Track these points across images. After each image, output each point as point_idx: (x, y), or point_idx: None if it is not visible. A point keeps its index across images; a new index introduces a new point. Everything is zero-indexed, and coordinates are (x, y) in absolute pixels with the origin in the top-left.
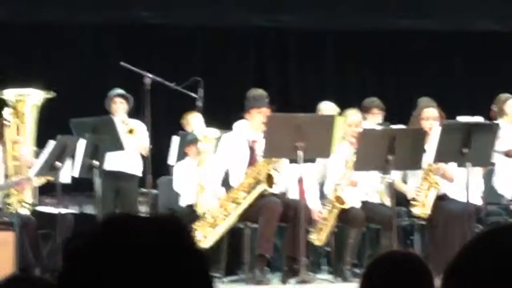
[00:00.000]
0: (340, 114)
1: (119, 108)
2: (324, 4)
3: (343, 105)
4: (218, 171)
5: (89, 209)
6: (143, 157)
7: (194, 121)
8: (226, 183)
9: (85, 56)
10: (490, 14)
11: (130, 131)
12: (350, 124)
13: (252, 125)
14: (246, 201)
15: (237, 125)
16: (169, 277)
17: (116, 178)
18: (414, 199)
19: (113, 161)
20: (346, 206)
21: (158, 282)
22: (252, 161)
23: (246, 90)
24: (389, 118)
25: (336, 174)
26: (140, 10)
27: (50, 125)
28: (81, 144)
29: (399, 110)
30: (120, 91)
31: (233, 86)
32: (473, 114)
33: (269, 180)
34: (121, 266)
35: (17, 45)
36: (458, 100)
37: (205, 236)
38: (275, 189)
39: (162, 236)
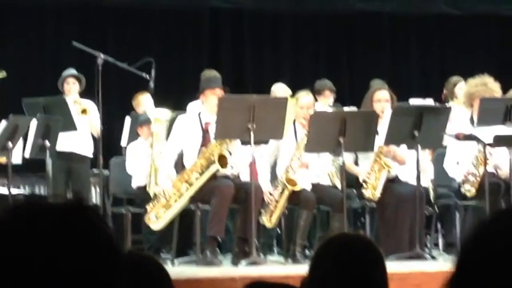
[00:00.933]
0: (292, 95)
1: (72, 88)
2: None
3: (297, 87)
4: (171, 152)
5: (41, 190)
6: (94, 138)
7: (144, 102)
8: (179, 165)
9: (39, 36)
10: None
11: (83, 111)
12: (302, 106)
13: (206, 107)
14: (199, 182)
15: (191, 106)
16: (77, 260)
17: (68, 159)
18: (365, 181)
19: (64, 142)
20: (297, 188)
21: (65, 264)
22: (205, 142)
23: (200, 71)
24: (342, 100)
25: (288, 156)
26: None
27: (2, 104)
28: (33, 124)
29: (352, 92)
30: (72, 71)
31: (186, 67)
32: (425, 96)
33: (222, 160)
34: (28, 250)
35: None
36: (411, 82)
37: (158, 217)
38: (228, 171)
39: (67, 220)
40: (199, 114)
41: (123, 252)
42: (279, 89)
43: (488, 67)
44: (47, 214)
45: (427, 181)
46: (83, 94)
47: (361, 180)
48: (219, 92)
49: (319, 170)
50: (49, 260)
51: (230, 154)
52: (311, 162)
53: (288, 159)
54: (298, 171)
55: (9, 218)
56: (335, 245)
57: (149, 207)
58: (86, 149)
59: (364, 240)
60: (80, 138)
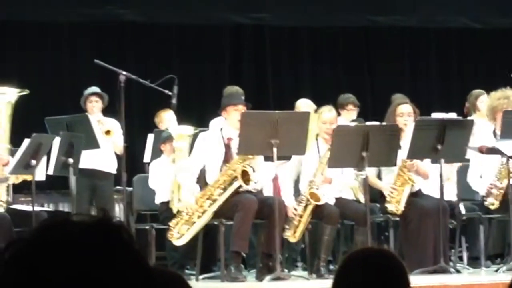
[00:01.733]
0: (316, 111)
1: (95, 106)
2: (300, 2)
3: (319, 102)
4: (193, 168)
5: (64, 207)
6: (117, 154)
7: (167, 119)
8: (202, 181)
9: (60, 54)
10: (465, 11)
11: (107, 132)
12: (325, 121)
13: (229, 123)
14: (222, 198)
15: (214, 122)
16: (107, 276)
17: (91, 176)
18: (388, 195)
19: (88, 159)
20: (321, 203)
21: (96, 281)
22: (227, 158)
23: (221, 87)
24: (364, 114)
25: (311, 171)
26: (116, 7)
27: (25, 123)
28: (56, 142)
29: (374, 106)
30: (95, 89)
31: (208, 83)
32: (447, 110)
33: (245, 176)
34: (56, 268)
35: None
36: (432, 96)
37: (181, 233)
38: (251, 186)
39: (96, 239)
40: (221, 130)
41: (153, 270)
42: (304, 105)
43: (509, 80)
44: (78, 232)
45: (451, 195)
46: (106, 111)
47: (385, 195)
48: (241, 108)
49: (342, 185)
50: (82, 278)
51: (254, 170)
52: (334, 177)
53: (311, 174)
54: (321, 186)
55: (39, 236)
56: (359, 259)
57: (172, 223)
58: (110, 166)
59: (388, 254)
60: (103, 155)
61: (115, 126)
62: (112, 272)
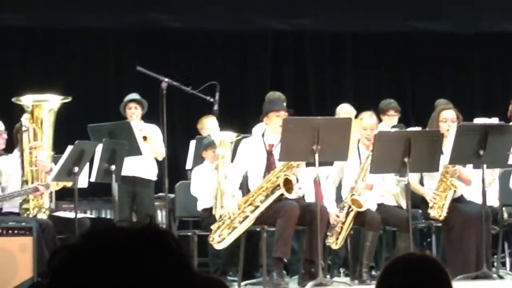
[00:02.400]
0: (356, 116)
1: (134, 113)
2: (340, 7)
3: (361, 108)
4: (236, 174)
5: (107, 214)
6: (158, 161)
7: (209, 125)
8: (244, 187)
9: (103, 61)
10: (506, 15)
11: (144, 139)
12: (366, 127)
13: (271, 129)
14: (264, 204)
15: (257, 128)
16: (155, 283)
17: (132, 183)
18: (431, 201)
19: (128, 166)
20: (362, 209)
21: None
22: (270, 164)
23: (263, 93)
24: (405, 120)
25: (353, 177)
26: (157, 14)
27: (69, 130)
28: (99, 149)
29: (415, 112)
30: (134, 96)
31: (250, 89)
32: (490, 115)
33: (287, 185)
34: (105, 275)
35: (36, 50)
36: (474, 102)
37: (222, 237)
38: (293, 195)
39: (144, 245)
40: (262, 136)
41: (198, 276)
42: (344, 110)
43: None
44: (125, 238)
45: (493, 200)
46: (148, 118)
47: (428, 200)
48: (283, 114)
49: (383, 191)
50: (129, 285)
51: (297, 180)
52: (376, 183)
53: (353, 180)
54: (362, 192)
55: (86, 243)
56: (402, 265)
57: (213, 227)
58: (150, 173)
59: (431, 260)
60: (144, 162)
61: (155, 132)
62: (160, 278)
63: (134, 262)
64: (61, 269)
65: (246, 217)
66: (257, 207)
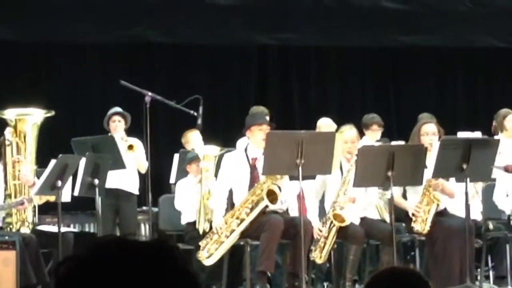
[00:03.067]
0: (337, 130)
1: (117, 126)
2: (325, 22)
3: (345, 121)
4: (221, 190)
5: (90, 228)
6: (142, 175)
7: (193, 139)
8: (229, 201)
9: (86, 74)
10: (490, 30)
11: (130, 147)
12: (346, 141)
13: (253, 142)
14: (249, 217)
15: (240, 142)
16: None
17: (115, 196)
18: (414, 215)
19: (111, 179)
20: (345, 224)
21: None
22: (253, 178)
23: (247, 108)
24: (389, 134)
25: (335, 190)
26: (143, 28)
27: (52, 144)
28: (82, 163)
29: (399, 126)
30: (117, 109)
31: (234, 104)
32: (473, 130)
33: (271, 196)
34: (111, 286)
35: (20, 64)
36: (458, 116)
37: (210, 253)
38: (277, 206)
39: (151, 259)
40: (245, 150)
41: None
42: (324, 124)
43: None
44: (132, 251)
45: (477, 214)
46: (132, 132)
47: (410, 214)
48: (265, 128)
49: (366, 204)
50: None
51: (280, 190)
52: (358, 196)
53: (335, 194)
54: (345, 206)
55: (92, 255)
56: (385, 279)
57: (201, 243)
58: (133, 186)
59: (414, 273)
60: (126, 175)
61: (138, 144)
62: None
63: (140, 275)
64: (66, 280)
65: (233, 231)
66: (242, 220)
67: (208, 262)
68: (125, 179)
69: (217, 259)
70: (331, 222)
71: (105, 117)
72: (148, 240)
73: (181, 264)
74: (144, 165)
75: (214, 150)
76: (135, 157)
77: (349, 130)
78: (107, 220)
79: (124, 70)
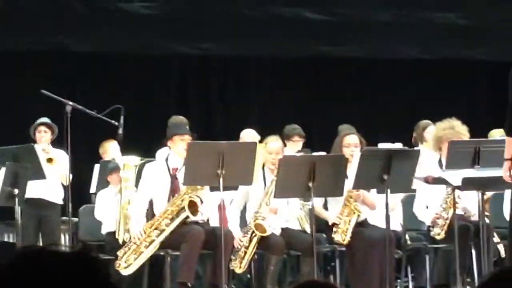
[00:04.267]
0: (261, 141)
1: (43, 137)
2: (245, 32)
3: (266, 132)
4: (141, 200)
5: (9, 238)
6: (63, 185)
7: (111, 149)
8: (149, 211)
9: (7, 84)
10: (411, 42)
11: (49, 160)
12: (271, 152)
13: (175, 152)
14: (169, 228)
15: (160, 153)
16: None
17: (38, 206)
18: (335, 225)
19: (34, 189)
20: (266, 234)
21: None
22: (174, 188)
23: (168, 117)
24: (311, 145)
25: (257, 201)
26: (63, 37)
27: None
28: (2, 173)
29: (321, 137)
30: (44, 119)
31: (155, 113)
32: (394, 141)
33: (192, 207)
34: None
35: None
36: (379, 127)
37: (128, 263)
38: (198, 217)
39: (73, 270)
40: (166, 160)
41: None
42: (248, 135)
43: (456, 110)
44: (56, 262)
45: (396, 225)
46: (53, 141)
47: (330, 224)
48: (187, 138)
49: (288, 215)
50: None
51: (202, 201)
52: (280, 207)
53: (257, 204)
54: (267, 217)
55: (15, 265)
56: None
57: (119, 253)
58: (56, 196)
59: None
60: (49, 185)
61: (62, 156)
62: None
63: (62, 286)
64: None
65: (152, 241)
66: (162, 230)
67: (126, 272)
68: (49, 188)
69: (135, 269)
70: (253, 232)
71: (32, 127)
72: (71, 251)
73: (104, 275)
74: (65, 176)
75: (134, 160)
76: (56, 168)
77: (274, 142)
78: (28, 229)
79: (46, 79)
